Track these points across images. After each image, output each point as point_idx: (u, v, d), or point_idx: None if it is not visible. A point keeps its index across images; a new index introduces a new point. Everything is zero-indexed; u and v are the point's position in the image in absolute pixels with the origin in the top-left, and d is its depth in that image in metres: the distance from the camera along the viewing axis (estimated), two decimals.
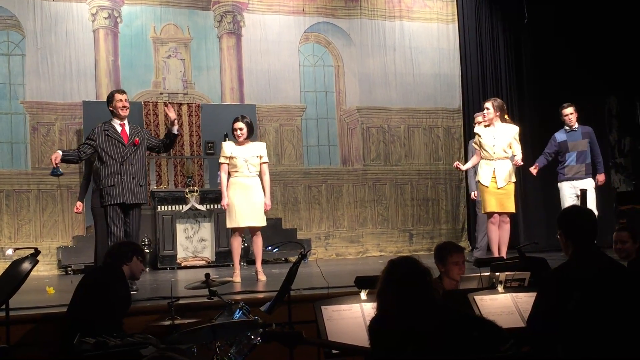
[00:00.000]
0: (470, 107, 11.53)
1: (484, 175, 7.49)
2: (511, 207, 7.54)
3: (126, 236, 6.67)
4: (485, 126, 7.64)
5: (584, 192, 8.14)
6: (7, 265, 4.74)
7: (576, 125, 8.39)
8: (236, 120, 7.34)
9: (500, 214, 7.47)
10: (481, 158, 7.60)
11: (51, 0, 10.15)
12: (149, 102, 10.34)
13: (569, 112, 8.41)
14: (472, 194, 8.71)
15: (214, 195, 9.62)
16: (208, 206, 9.69)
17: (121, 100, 6.78)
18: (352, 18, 11.65)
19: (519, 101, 12.01)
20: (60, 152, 6.66)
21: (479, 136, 7.61)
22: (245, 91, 11.07)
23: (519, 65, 12.15)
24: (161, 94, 10.60)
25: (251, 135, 7.38)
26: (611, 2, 11.02)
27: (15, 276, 4.43)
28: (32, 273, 4.54)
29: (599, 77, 11.39)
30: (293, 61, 11.34)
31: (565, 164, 8.39)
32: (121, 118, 6.78)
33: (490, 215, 7.51)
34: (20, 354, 4.23)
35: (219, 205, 9.15)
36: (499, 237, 7.49)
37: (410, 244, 11.56)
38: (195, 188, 9.64)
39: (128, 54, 10.54)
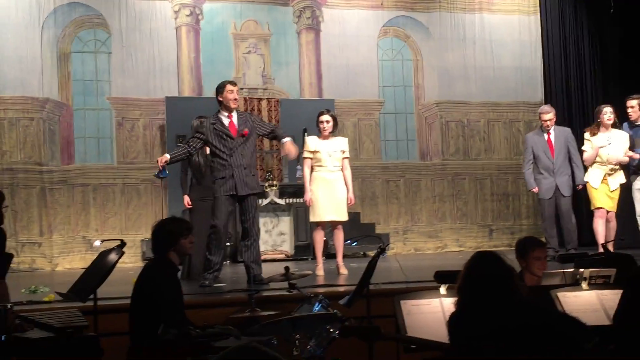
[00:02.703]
0: (553, 100, 11.26)
1: (594, 178, 8.12)
2: (615, 207, 8.18)
3: (244, 230, 6.77)
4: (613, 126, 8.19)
5: None
6: (94, 257, 4.90)
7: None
8: (321, 113, 7.39)
9: (608, 211, 8.06)
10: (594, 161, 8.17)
11: None
12: None
13: (631, 105, 8.31)
14: (534, 189, 8.59)
15: (293, 190, 9.70)
16: (287, 200, 9.78)
17: (232, 91, 6.80)
18: (431, 11, 11.54)
19: (604, 95, 11.67)
20: (167, 156, 6.70)
21: (589, 141, 8.20)
22: (324, 86, 11.12)
23: (604, 58, 11.80)
24: (241, 89, 10.72)
25: (336, 128, 7.42)
26: None
27: (103, 267, 4.58)
28: (117, 264, 4.68)
29: None
30: (371, 55, 11.31)
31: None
32: (230, 110, 6.81)
33: (598, 210, 8.09)
34: (107, 342, 4.36)
35: (298, 200, 9.28)
36: (605, 233, 7.97)
37: (490, 239, 11.40)
38: (275, 182, 9.73)
39: (209, 50, 10.72)
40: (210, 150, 6.88)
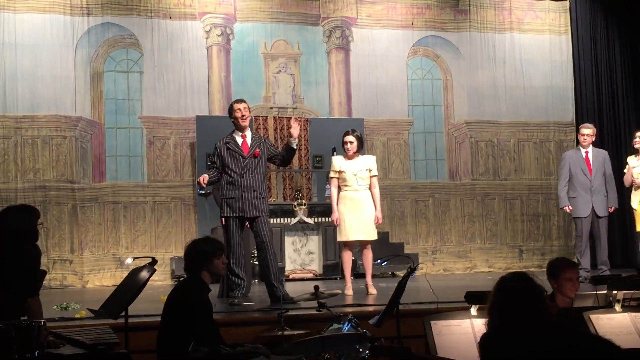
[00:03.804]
0: (584, 120, 11.16)
1: (635, 200, 8.27)
2: None
3: (259, 248, 6.81)
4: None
5: None
6: (124, 274, 4.93)
7: None
8: (346, 133, 7.40)
9: None
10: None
11: (168, 19, 10.54)
12: (259, 116, 10.55)
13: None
14: (566, 207, 8.54)
15: (321, 209, 9.70)
16: (316, 219, 9.78)
17: (239, 109, 6.88)
18: (461, 31, 11.54)
19: (637, 115, 11.58)
20: (206, 175, 6.79)
21: (629, 165, 8.35)
22: (353, 105, 11.14)
23: (636, 77, 11.70)
24: (271, 108, 10.81)
25: (361, 149, 7.43)
26: None
27: (134, 284, 4.60)
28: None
29: None
30: (401, 75, 11.33)
31: None
32: (241, 129, 6.88)
33: None
34: (138, 359, 4.38)
35: (327, 219, 9.28)
36: None
37: (520, 260, 11.30)
38: (304, 201, 9.75)
39: (239, 69, 10.81)
40: (222, 169, 6.90)
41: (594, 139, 8.64)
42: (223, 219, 6.91)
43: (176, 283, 9.24)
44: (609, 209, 8.48)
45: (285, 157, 7.06)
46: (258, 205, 6.77)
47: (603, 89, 11.62)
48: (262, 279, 7.25)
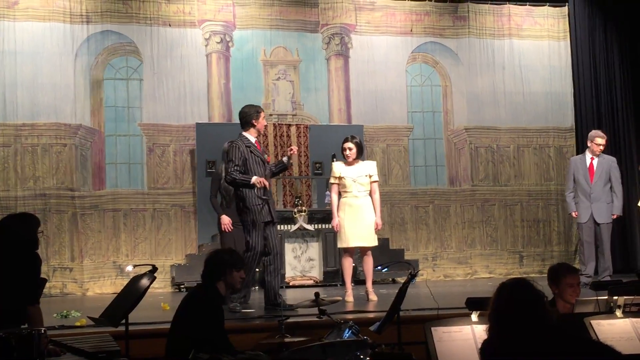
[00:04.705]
0: (584, 126, 11.21)
1: None
2: None
3: (268, 255, 6.78)
4: None
5: None
6: (125, 282, 4.93)
7: None
8: (346, 140, 7.41)
9: None
10: None
11: (167, 27, 10.56)
12: None
13: None
14: (573, 213, 8.55)
15: (321, 215, 9.70)
16: (316, 226, 9.78)
17: (264, 118, 6.93)
18: (460, 37, 11.56)
19: (636, 121, 11.59)
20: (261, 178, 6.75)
21: None
22: (353, 112, 11.15)
23: (635, 83, 11.72)
24: (271, 115, 10.81)
25: (360, 155, 7.43)
26: None
27: (135, 292, 4.60)
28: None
29: None
30: (400, 81, 11.34)
31: None
32: (258, 135, 6.90)
33: None
34: None
35: (327, 225, 9.29)
36: None
37: (521, 265, 11.29)
38: (304, 208, 9.72)
39: (239, 76, 10.82)
40: (245, 173, 6.82)
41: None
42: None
43: (182, 290, 9.25)
44: (612, 216, 8.45)
45: (274, 172, 7.16)
46: (274, 211, 6.81)
47: (602, 95, 11.63)
48: (263, 284, 7.20)
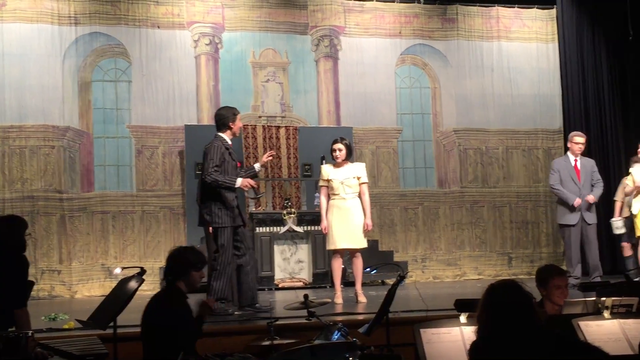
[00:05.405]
0: (572, 127, 11.23)
1: (636, 206, 8.27)
2: None
3: (244, 257, 6.74)
4: None
5: None
6: (113, 285, 4.91)
7: None
8: (335, 141, 7.42)
9: None
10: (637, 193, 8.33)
11: (156, 29, 10.53)
12: (248, 125, 10.51)
13: None
14: (576, 201, 8.59)
15: (311, 217, 9.70)
16: (305, 228, 9.77)
17: (240, 120, 6.91)
18: (449, 39, 11.58)
19: (624, 123, 11.64)
20: (246, 179, 6.77)
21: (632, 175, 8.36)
22: (342, 114, 11.15)
23: (623, 85, 11.78)
24: (260, 117, 10.80)
25: (350, 156, 7.44)
26: None
27: (123, 294, 4.58)
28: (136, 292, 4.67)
29: None
30: (389, 83, 11.35)
31: None
32: (231, 138, 6.86)
33: None
34: None
35: (316, 227, 9.27)
36: None
37: (510, 267, 11.32)
38: (293, 210, 9.74)
39: (228, 78, 10.81)
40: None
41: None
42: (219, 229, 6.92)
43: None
44: (587, 198, 8.37)
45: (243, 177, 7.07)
46: (243, 214, 6.83)
47: (590, 97, 11.67)
48: (241, 284, 7.06)
